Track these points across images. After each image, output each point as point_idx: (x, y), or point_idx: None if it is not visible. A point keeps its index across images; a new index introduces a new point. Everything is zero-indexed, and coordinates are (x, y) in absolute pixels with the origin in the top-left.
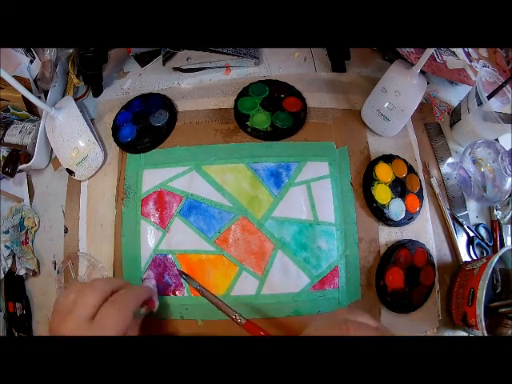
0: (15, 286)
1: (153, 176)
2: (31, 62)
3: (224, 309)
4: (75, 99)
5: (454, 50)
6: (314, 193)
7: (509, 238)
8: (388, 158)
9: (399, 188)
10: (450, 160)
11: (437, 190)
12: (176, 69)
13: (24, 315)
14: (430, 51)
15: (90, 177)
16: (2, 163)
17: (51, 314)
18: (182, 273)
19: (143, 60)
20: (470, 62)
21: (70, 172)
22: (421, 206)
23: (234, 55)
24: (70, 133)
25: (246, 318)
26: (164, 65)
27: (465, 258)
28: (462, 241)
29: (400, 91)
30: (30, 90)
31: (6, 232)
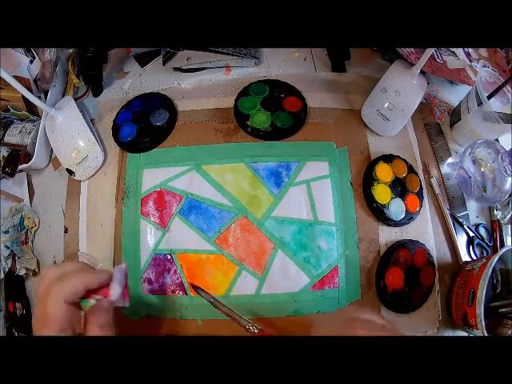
0: (15, 286)
1: (153, 175)
2: (31, 61)
3: (238, 320)
4: (75, 99)
5: (454, 50)
6: (314, 192)
7: (509, 238)
8: (388, 158)
9: (399, 188)
10: (450, 160)
11: (437, 190)
12: (176, 69)
13: (24, 315)
14: (430, 51)
15: (90, 177)
16: (2, 163)
17: None
18: (194, 286)
19: (143, 60)
20: (470, 61)
21: (70, 172)
22: (421, 206)
23: (234, 55)
24: (70, 133)
25: (260, 327)
26: (164, 65)
27: (465, 258)
28: (462, 241)
29: (400, 91)
30: (30, 90)
31: (6, 232)
